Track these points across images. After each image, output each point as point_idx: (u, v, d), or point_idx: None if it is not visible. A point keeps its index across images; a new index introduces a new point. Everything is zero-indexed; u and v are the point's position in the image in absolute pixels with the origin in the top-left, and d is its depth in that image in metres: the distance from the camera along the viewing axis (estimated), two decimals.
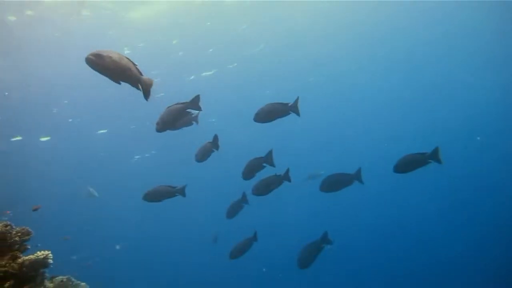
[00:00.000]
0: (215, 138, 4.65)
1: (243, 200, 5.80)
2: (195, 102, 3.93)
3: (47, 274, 2.94)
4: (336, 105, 16.37)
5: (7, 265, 2.73)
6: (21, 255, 2.82)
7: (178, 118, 4.11)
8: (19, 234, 2.91)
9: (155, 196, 4.75)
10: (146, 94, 2.93)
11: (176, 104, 4.13)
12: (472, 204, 16.72)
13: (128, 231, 16.33)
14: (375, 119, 17.05)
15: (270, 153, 4.71)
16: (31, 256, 2.81)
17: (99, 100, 11.34)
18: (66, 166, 13.42)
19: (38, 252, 2.86)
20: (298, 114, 4.18)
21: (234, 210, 5.99)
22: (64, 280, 3.68)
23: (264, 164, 4.78)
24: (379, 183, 13.55)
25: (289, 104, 4.17)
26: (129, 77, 2.81)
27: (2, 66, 9.30)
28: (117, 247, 13.91)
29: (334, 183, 5.15)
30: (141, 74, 2.90)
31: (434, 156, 4.30)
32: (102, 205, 14.55)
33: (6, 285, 2.66)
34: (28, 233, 2.97)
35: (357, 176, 5.03)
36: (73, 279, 3.74)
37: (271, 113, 4.19)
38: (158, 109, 4.11)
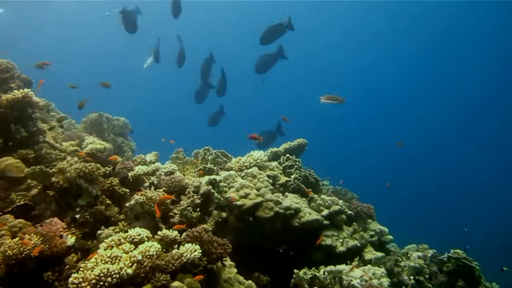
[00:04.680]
0: None
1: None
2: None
3: (38, 114, 2.60)
4: None
5: None
6: (0, 94, 2.50)
7: None
8: None
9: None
10: None
11: None
12: None
13: None
14: None
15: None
16: (9, 96, 2.46)
17: None
18: None
19: (16, 91, 2.48)
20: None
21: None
22: (96, 116, 3.50)
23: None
24: None
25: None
26: None
27: None
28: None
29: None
30: None
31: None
32: None
33: None
34: (8, 70, 2.59)
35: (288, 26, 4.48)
36: (106, 114, 3.55)
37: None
38: None
